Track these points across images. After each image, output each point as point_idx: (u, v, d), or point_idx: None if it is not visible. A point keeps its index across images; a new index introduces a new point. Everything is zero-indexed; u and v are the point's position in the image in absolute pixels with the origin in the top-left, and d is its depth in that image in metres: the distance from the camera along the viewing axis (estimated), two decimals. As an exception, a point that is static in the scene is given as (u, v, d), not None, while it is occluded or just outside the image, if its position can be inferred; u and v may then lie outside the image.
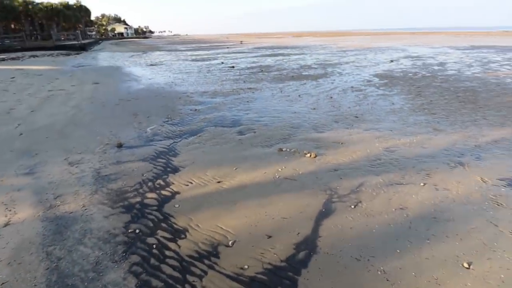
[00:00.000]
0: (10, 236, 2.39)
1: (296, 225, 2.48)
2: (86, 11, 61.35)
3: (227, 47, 31.02)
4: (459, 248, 2.17)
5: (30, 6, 45.88)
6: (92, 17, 74.11)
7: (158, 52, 25.97)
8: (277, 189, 3.02)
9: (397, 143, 4.11)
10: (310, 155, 3.80)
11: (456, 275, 1.95)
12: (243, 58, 18.30)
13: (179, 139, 4.49)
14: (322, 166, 3.51)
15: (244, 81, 9.57)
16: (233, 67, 13.54)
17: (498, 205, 2.63)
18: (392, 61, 14.31)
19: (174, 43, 49.12)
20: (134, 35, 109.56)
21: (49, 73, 12.14)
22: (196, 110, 6.18)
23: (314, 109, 6.09)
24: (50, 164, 3.69)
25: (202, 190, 3.02)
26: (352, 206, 2.70)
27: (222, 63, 15.50)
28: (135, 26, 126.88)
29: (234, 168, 3.49)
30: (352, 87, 8.25)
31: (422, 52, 18.82)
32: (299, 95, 7.37)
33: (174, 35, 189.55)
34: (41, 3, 48.66)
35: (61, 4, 51.25)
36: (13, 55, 21.89)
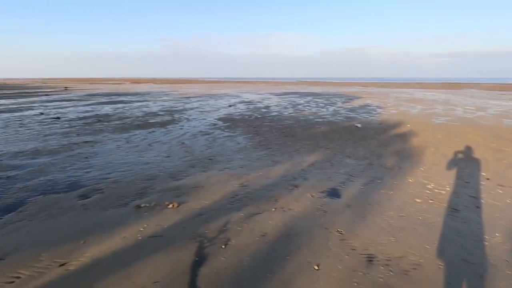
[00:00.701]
0: None
1: (170, 285, 2.33)
2: None
3: (46, 94, 26.00)
4: (308, 254, 2.73)
5: None
6: None
7: None
8: (143, 252, 2.75)
9: (248, 178, 4.73)
10: (173, 206, 3.73)
11: (310, 277, 2.42)
12: (71, 107, 15.88)
13: (-15, 223, 3.27)
14: (186, 214, 3.52)
15: (78, 134, 8.30)
16: (58, 118, 11.49)
17: (324, 212, 3.53)
18: (230, 106, 16.52)
19: (-45, 90, 36.14)
20: None
21: None
22: (8, 177, 4.74)
23: (168, 156, 6.07)
24: None
25: (38, 282, 2.31)
26: (223, 246, 2.85)
27: (42, 113, 12.83)
28: None
29: (82, 242, 2.90)
30: (201, 131, 8.85)
31: (252, 98, 22.91)
32: (149, 144, 7.16)
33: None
34: None
35: None
36: None
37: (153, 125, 9.96)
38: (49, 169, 5.18)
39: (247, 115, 12.36)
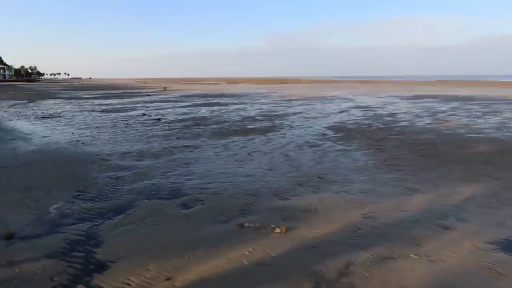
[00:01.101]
0: None
1: (284, 330, 2.35)
2: None
3: (148, 95, 31.29)
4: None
5: None
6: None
7: (52, 101, 24.63)
8: (250, 281, 2.89)
9: (374, 208, 4.45)
10: (280, 230, 3.82)
11: None
12: (170, 108, 18.57)
13: (101, 221, 4.08)
14: (297, 243, 3.54)
15: (177, 138, 9.59)
16: (159, 119, 13.58)
17: (498, 275, 2.96)
18: (342, 111, 16.23)
19: (74, 89, 47.58)
20: (14, 77, 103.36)
21: None
22: (118, 178, 5.82)
23: (271, 170, 6.33)
24: None
25: (146, 295, 2.70)
26: (347, 295, 2.72)
27: (144, 114, 15.45)
28: (17, 65, 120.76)
29: (186, 257, 3.26)
30: (307, 142, 8.94)
31: (370, 102, 21.88)
32: (248, 153, 7.64)
33: (72, 78, 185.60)
34: None
35: None
36: None
37: (252, 131, 10.63)
38: (153, 172, 6.12)
39: (365, 125, 11.87)
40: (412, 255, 3.29)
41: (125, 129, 11.20)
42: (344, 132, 10.35)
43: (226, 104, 20.72)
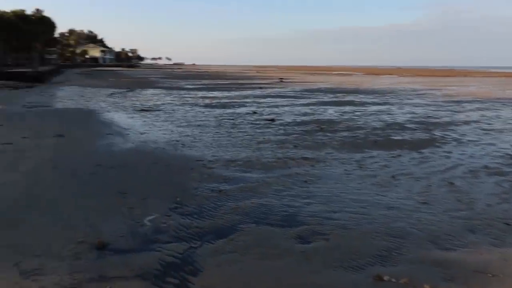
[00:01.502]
0: None
1: None
2: (49, 26, 69.15)
3: (260, 87, 33.13)
4: None
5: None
6: (56, 34, 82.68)
7: (151, 90, 28.28)
8: None
9: None
10: (438, 295, 3.59)
11: None
12: (287, 106, 19.31)
13: (199, 243, 4.51)
14: (465, 319, 3.27)
15: (295, 146, 9.91)
16: (272, 120, 14.28)
17: None
18: (548, 124, 14.43)
19: (176, 77, 53.60)
20: (115, 62, 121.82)
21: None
22: (221, 191, 6.33)
23: (426, 203, 6.04)
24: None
25: None
26: None
27: (255, 112, 16.45)
28: (117, 48, 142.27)
29: (302, 310, 3.33)
30: (486, 166, 8.28)
31: None
32: (393, 176, 7.41)
33: (174, 64, 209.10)
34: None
35: (14, 14, 57.59)
36: None
37: (399, 144, 10.30)
38: (263, 189, 6.47)
39: None
40: None
41: (231, 130, 12.09)
42: (551, 156, 9.23)
43: (362, 104, 20.50)
